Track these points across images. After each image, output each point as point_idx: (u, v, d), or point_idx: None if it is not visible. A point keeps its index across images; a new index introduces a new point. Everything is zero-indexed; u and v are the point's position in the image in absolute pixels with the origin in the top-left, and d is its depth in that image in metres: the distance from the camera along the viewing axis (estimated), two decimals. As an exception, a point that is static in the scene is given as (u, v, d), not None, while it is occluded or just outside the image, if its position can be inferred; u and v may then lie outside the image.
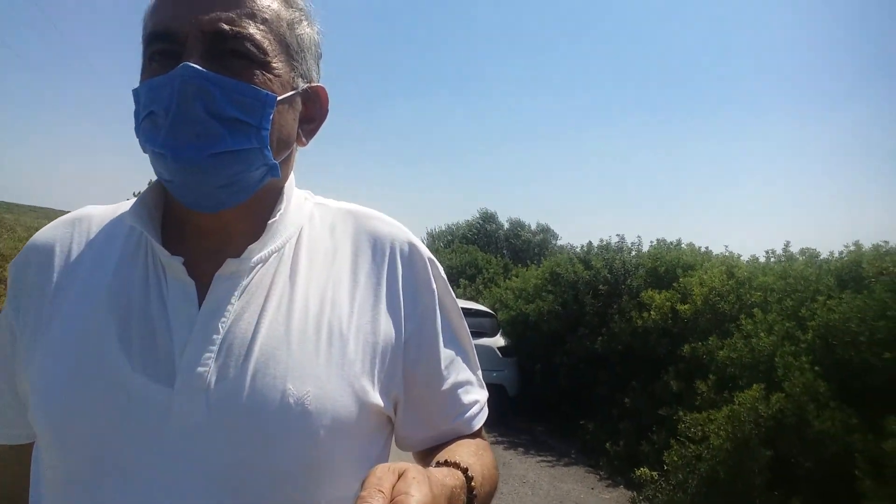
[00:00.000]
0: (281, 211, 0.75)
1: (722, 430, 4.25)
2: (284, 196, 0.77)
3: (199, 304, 0.70)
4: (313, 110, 0.80)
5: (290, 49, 0.74)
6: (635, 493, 4.98)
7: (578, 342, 7.18)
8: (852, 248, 5.31)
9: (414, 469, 0.55)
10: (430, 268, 0.82)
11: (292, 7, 0.75)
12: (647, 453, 5.35)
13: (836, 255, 5.53)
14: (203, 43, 0.67)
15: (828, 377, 4.14)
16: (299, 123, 0.78)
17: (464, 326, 0.86)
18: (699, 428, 4.46)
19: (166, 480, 0.64)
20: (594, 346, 6.92)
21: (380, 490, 0.50)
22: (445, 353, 0.80)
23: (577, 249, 9.41)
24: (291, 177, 0.81)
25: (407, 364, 0.76)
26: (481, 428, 0.86)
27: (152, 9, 0.72)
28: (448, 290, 0.84)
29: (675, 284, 6.45)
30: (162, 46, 0.68)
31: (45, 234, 0.79)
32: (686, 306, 6.00)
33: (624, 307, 6.83)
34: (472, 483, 0.67)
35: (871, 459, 3.51)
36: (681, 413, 4.74)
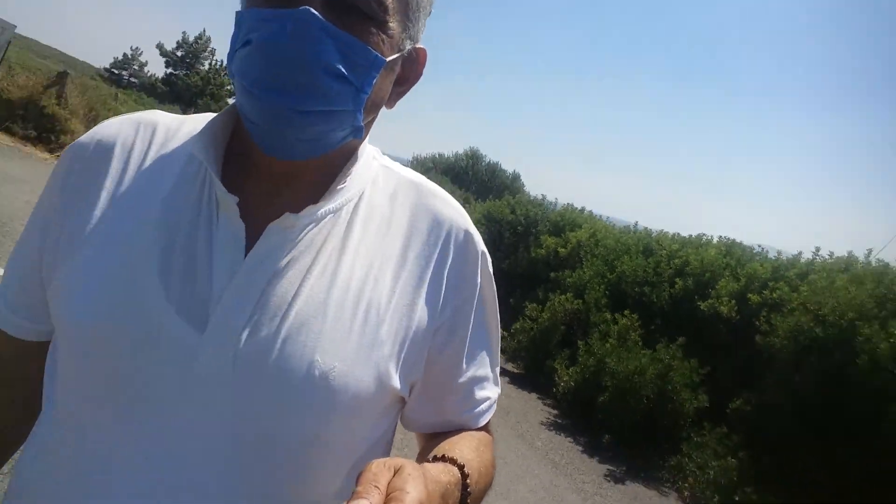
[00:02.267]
0: (350, 175, 0.72)
1: (546, 313, 7.59)
2: (358, 156, 0.74)
3: (246, 251, 0.66)
4: (409, 72, 0.74)
5: (409, 7, 0.69)
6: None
7: (495, 263, 10.46)
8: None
9: (410, 465, 0.54)
10: (479, 261, 0.79)
11: None
12: (506, 323, 8.73)
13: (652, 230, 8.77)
14: None
15: (610, 296, 7.46)
16: (393, 85, 0.73)
17: (496, 323, 0.83)
18: (536, 313, 7.80)
19: (180, 424, 0.62)
20: (503, 267, 10.17)
21: (375, 486, 0.50)
22: (471, 347, 0.78)
23: (536, 197, 12.53)
24: (367, 136, 0.76)
25: (432, 351, 0.74)
26: (488, 423, 0.84)
27: None
28: (491, 285, 0.81)
29: (562, 235, 9.68)
30: None
31: (108, 129, 0.74)
32: (564, 250, 9.25)
33: (529, 244, 10.06)
34: (468, 480, 0.66)
35: (606, 332, 6.85)
36: (527, 303, 8.08)
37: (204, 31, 35.24)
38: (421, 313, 0.72)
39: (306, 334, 0.65)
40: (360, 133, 0.69)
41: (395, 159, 0.86)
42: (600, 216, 10.97)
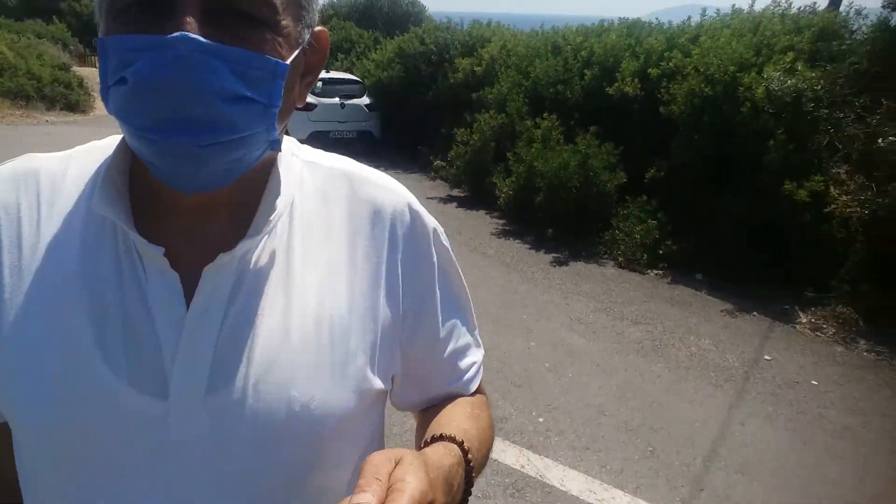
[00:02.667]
0: (275, 189, 0.65)
1: (475, 135, 8.03)
2: (278, 168, 0.66)
3: (186, 301, 0.60)
4: (313, 59, 0.65)
5: None
6: (433, 174, 8.97)
7: (417, 98, 10.59)
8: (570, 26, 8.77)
9: (410, 455, 0.54)
10: (431, 238, 0.75)
11: None
12: (443, 153, 9.19)
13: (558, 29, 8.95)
14: (201, 3, 0.52)
15: (529, 103, 7.86)
16: (301, 79, 0.64)
17: (463, 289, 0.81)
18: (467, 136, 8.23)
19: (161, 498, 0.60)
20: (428, 99, 10.36)
21: (377, 478, 0.49)
22: (444, 323, 0.76)
23: (442, 21, 12.32)
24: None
25: (404, 339, 0.72)
26: (480, 385, 0.84)
27: None
28: (449, 256, 0.78)
29: (474, 54, 9.79)
30: None
31: None
32: (479, 68, 9.43)
33: (446, 71, 10.17)
34: (469, 456, 0.66)
35: (531, 138, 7.36)
36: (456, 130, 8.48)
37: None
38: (384, 311, 0.69)
39: (277, 372, 0.61)
40: (277, 146, 0.61)
41: None
42: (510, 23, 10.97)
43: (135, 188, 0.64)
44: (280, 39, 0.57)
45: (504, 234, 6.92)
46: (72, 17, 26.50)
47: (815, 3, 6.49)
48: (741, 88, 5.49)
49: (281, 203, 0.65)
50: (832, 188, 4.92)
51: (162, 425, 0.59)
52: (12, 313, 0.60)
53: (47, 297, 0.60)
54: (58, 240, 0.62)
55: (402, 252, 0.72)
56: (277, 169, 0.67)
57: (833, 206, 4.86)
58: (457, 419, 0.73)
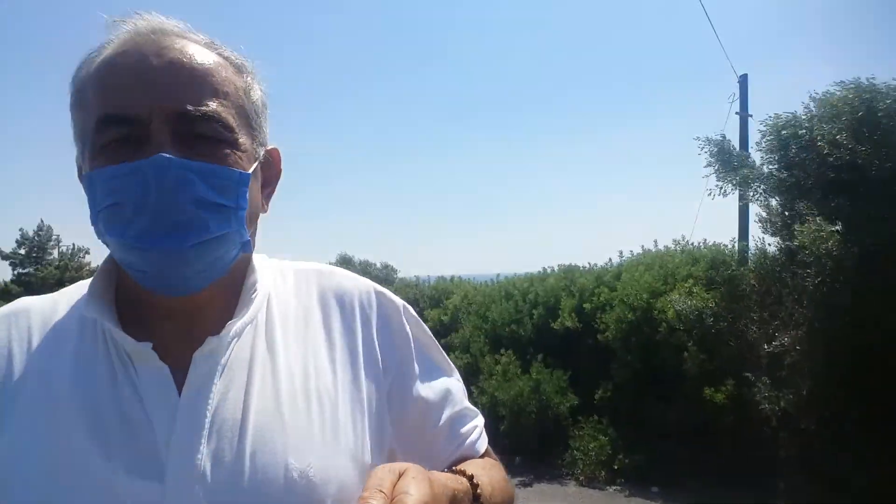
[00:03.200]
0: (254, 284, 0.73)
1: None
2: (254, 266, 0.75)
3: (178, 389, 0.65)
4: (269, 173, 0.77)
5: (250, 118, 0.71)
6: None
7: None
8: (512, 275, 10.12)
9: (414, 468, 0.55)
10: (402, 312, 0.81)
11: (243, 72, 0.72)
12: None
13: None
14: (168, 127, 0.63)
15: (489, 342, 8.76)
16: (262, 190, 0.75)
17: (445, 358, 0.84)
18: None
19: None
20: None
21: (380, 490, 0.51)
22: (433, 392, 0.78)
23: (412, 280, 13.82)
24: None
25: (393, 414, 0.74)
26: (488, 449, 0.85)
27: (96, 84, 0.66)
28: (422, 329, 0.82)
29: (441, 305, 11.00)
30: (120, 132, 0.63)
31: None
32: (446, 317, 10.55)
33: (417, 321, 11.29)
34: (479, 490, 0.66)
35: (491, 373, 8.07)
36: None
37: (42, 221, 32.28)
38: (367, 385, 0.72)
39: (272, 442, 0.64)
40: (248, 247, 0.71)
41: None
42: (469, 277, 12.49)
43: (121, 301, 0.71)
44: (240, 153, 0.67)
45: (474, 465, 7.27)
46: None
47: (704, 239, 7.83)
48: (656, 311, 6.45)
49: (260, 296, 0.73)
50: (745, 390, 5.58)
51: None
52: (12, 424, 0.64)
53: (38, 411, 0.64)
54: (50, 360, 0.68)
55: (375, 327, 0.77)
56: (254, 268, 0.75)
57: (758, 406, 5.47)
58: (468, 464, 0.75)
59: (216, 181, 0.64)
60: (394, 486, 0.53)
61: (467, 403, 0.84)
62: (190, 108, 0.64)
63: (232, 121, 0.68)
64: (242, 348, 0.70)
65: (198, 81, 0.66)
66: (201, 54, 0.68)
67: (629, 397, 6.60)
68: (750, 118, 8.35)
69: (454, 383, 0.84)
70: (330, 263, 0.95)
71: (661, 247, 8.14)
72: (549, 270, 9.63)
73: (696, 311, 6.05)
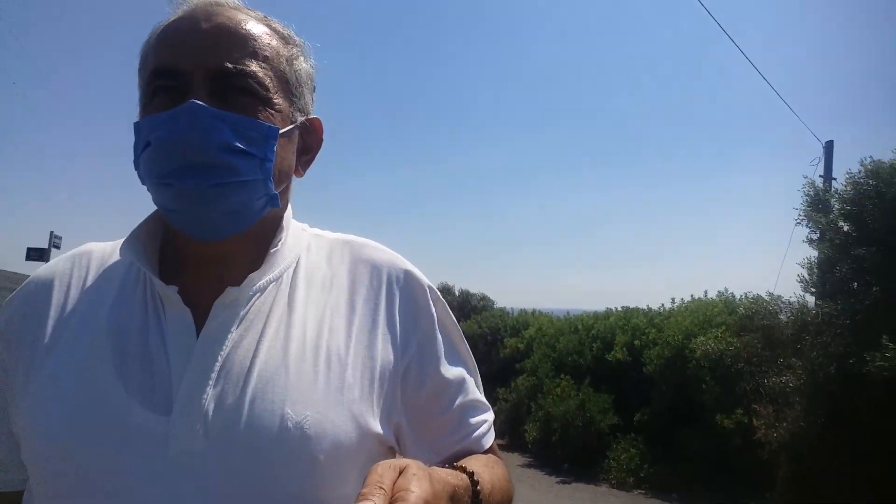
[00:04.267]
0: (281, 240, 0.76)
1: (513, 394, 10.23)
2: (283, 226, 0.78)
3: (198, 333, 0.70)
4: (310, 141, 0.82)
5: (290, 84, 0.77)
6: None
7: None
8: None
9: (414, 465, 0.55)
10: (428, 294, 0.82)
11: (290, 43, 0.78)
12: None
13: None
14: (208, 81, 0.69)
15: (554, 367, 10.17)
16: (297, 155, 0.80)
17: (466, 348, 0.85)
18: (506, 394, 10.43)
19: None
20: (482, 371, 12.85)
21: (380, 487, 0.51)
22: (450, 376, 0.80)
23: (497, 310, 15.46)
24: (289, 207, 0.82)
25: (408, 390, 0.76)
26: (493, 446, 0.85)
27: (154, 46, 0.74)
28: (448, 314, 0.83)
29: (519, 335, 12.52)
30: (166, 83, 0.70)
31: (45, 269, 0.81)
32: (521, 345, 12.05)
33: (498, 348, 12.84)
34: (478, 487, 0.66)
35: (553, 393, 9.47)
36: (498, 389, 10.75)
37: (52, 233, 29.50)
38: (383, 353, 0.74)
39: (272, 391, 0.67)
40: (275, 201, 0.74)
41: None
42: (547, 310, 13.94)
43: (165, 247, 0.78)
44: (272, 112, 0.73)
45: (529, 465, 8.70)
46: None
47: (748, 292, 8.86)
48: (687, 351, 7.67)
49: (289, 257, 0.78)
50: (754, 419, 6.69)
51: (162, 441, 0.65)
52: (49, 358, 0.71)
53: (82, 335, 0.72)
54: (98, 291, 0.76)
55: (399, 302, 0.79)
56: (284, 230, 0.79)
57: (758, 432, 6.58)
58: (469, 461, 0.75)
59: (244, 131, 0.69)
60: (394, 483, 0.53)
61: (480, 396, 0.85)
62: (228, 65, 0.70)
63: (268, 81, 0.73)
64: (264, 302, 0.73)
65: (239, 43, 0.72)
66: (248, 22, 0.74)
67: (663, 420, 7.82)
68: (834, 181, 9.00)
69: (471, 373, 0.85)
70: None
71: (709, 295, 9.27)
72: (612, 310, 10.93)
73: (719, 352, 7.23)
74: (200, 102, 0.68)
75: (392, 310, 0.78)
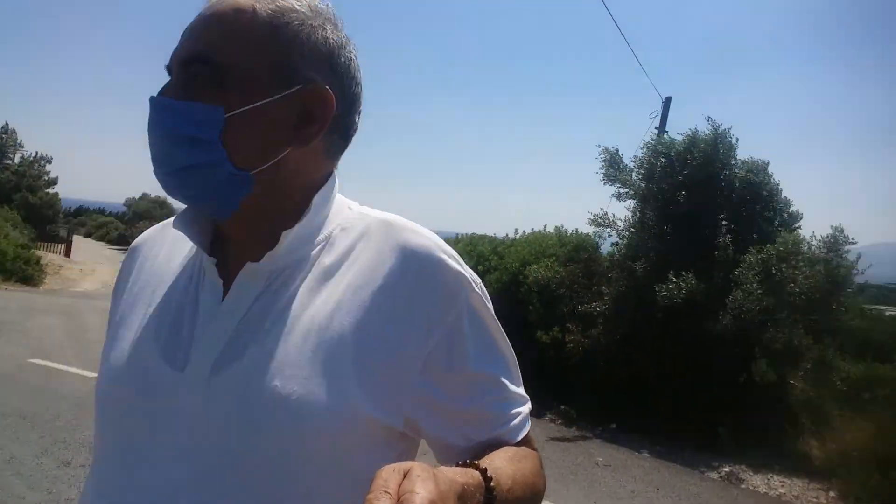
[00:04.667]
0: (301, 222, 0.76)
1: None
2: (313, 206, 0.78)
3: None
4: (314, 110, 0.76)
5: (279, 55, 0.74)
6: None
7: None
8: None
9: (418, 466, 0.55)
10: (461, 282, 0.77)
11: (284, 14, 0.74)
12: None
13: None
14: (181, 72, 0.73)
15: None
16: (297, 128, 0.76)
17: (505, 343, 0.83)
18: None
19: (167, 452, 0.70)
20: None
21: (385, 491, 0.51)
22: (481, 370, 0.77)
23: None
24: (330, 185, 0.81)
25: (435, 378, 0.74)
26: (528, 437, 0.82)
27: None
28: (483, 305, 0.80)
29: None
30: (169, 80, 0.76)
31: (143, 234, 0.93)
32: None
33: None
34: (492, 483, 0.65)
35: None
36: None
37: (6, 123, 31.69)
38: (396, 340, 0.72)
39: (267, 364, 0.69)
40: (247, 182, 0.74)
41: None
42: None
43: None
44: (233, 92, 0.71)
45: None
46: (23, 208, 27.70)
47: (576, 229, 10.16)
48: (522, 277, 8.77)
49: (314, 235, 0.78)
50: (566, 336, 7.99)
51: (174, 395, 0.71)
52: (122, 321, 0.82)
53: (139, 309, 0.81)
54: (166, 267, 0.84)
55: (427, 290, 0.74)
56: (314, 209, 0.78)
57: (568, 345, 7.90)
58: (490, 457, 0.72)
59: (191, 116, 0.71)
60: (399, 487, 0.52)
61: (517, 389, 0.82)
62: (187, 53, 0.73)
63: (231, 59, 0.71)
64: (287, 278, 0.76)
65: (213, 27, 0.73)
66: (243, 3, 0.74)
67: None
68: (666, 134, 10.19)
69: (509, 367, 0.82)
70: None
71: (548, 229, 10.46)
72: (461, 235, 11.86)
73: (545, 280, 8.40)
74: (156, 95, 0.73)
75: (416, 297, 0.74)
